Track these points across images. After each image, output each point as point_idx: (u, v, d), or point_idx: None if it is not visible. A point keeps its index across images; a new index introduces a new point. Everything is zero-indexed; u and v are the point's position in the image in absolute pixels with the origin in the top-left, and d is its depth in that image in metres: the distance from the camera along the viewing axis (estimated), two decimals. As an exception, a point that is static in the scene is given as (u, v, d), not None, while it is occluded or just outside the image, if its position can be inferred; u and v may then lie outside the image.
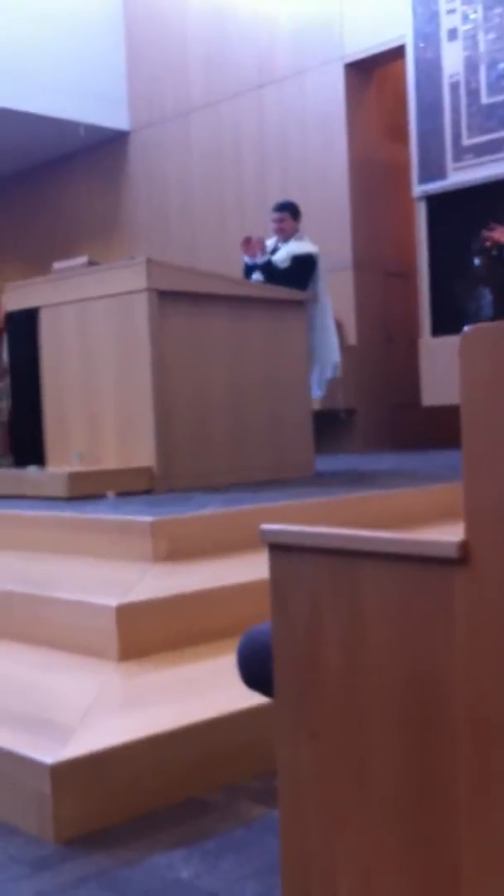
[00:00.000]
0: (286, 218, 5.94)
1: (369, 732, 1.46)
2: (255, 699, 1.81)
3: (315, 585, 1.51)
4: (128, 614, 2.79)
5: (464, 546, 1.31)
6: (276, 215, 5.97)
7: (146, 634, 2.83)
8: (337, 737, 1.51)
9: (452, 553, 1.31)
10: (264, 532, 1.56)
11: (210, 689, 2.52)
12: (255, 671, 1.66)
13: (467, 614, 1.33)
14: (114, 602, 2.81)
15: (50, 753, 2.12)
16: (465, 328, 1.30)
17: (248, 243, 5.82)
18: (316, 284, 5.80)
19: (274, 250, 5.91)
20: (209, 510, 3.78)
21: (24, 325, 5.38)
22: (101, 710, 2.41)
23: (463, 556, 1.31)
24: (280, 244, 5.92)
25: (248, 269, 5.91)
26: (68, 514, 3.87)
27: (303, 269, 5.75)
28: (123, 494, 4.54)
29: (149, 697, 2.54)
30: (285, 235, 5.91)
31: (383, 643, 1.43)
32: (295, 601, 1.55)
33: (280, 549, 1.56)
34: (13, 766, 2.17)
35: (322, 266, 5.98)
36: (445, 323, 7.87)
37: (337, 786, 1.51)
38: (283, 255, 5.81)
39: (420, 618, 1.38)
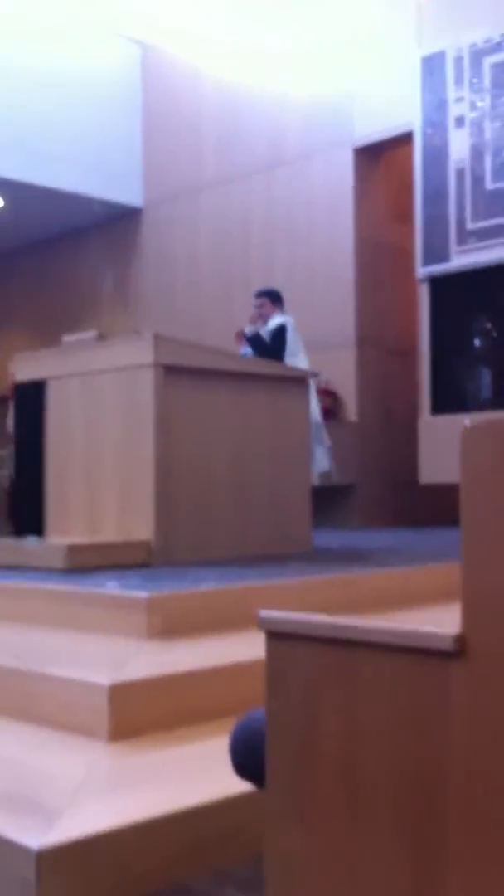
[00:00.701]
0: (265, 304, 6.31)
1: (363, 822, 1.43)
2: (246, 784, 1.78)
3: (311, 674, 1.49)
4: (120, 693, 2.75)
5: (460, 639, 1.30)
6: (257, 301, 6.38)
7: (138, 714, 2.79)
8: (329, 826, 1.48)
9: (449, 646, 1.30)
10: (262, 619, 1.55)
11: (201, 772, 2.47)
12: (248, 761, 1.63)
13: (464, 707, 1.31)
14: (106, 680, 2.78)
15: (36, 837, 2.07)
16: (466, 421, 1.31)
17: (239, 338, 6.13)
18: (293, 354, 6.04)
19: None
20: (206, 586, 3.75)
21: (32, 396, 5.42)
22: (90, 792, 2.36)
23: (460, 649, 1.30)
24: (261, 328, 6.22)
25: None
26: (64, 586, 3.85)
27: (276, 340, 6.09)
28: (121, 567, 4.51)
29: (138, 780, 2.49)
30: (264, 320, 6.22)
31: (379, 733, 1.41)
32: (291, 688, 1.53)
33: (277, 637, 1.55)
34: (-3, 848, 2.11)
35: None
36: (445, 402, 7.92)
37: (327, 876, 1.47)
38: (266, 330, 6.10)
39: (417, 709, 1.36)
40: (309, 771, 1.48)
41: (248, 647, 2.87)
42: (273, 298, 6.36)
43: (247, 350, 6.26)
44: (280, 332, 6.09)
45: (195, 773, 2.49)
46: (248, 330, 6.26)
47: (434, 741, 1.34)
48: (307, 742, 1.48)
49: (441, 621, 3.50)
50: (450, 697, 1.31)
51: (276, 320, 6.17)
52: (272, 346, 6.01)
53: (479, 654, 1.28)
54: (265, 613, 1.56)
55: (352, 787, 1.42)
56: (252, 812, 1.97)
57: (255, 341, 6.11)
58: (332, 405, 8.66)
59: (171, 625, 3.41)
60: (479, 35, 7.81)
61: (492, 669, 1.27)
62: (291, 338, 6.10)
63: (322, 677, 1.47)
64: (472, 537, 1.28)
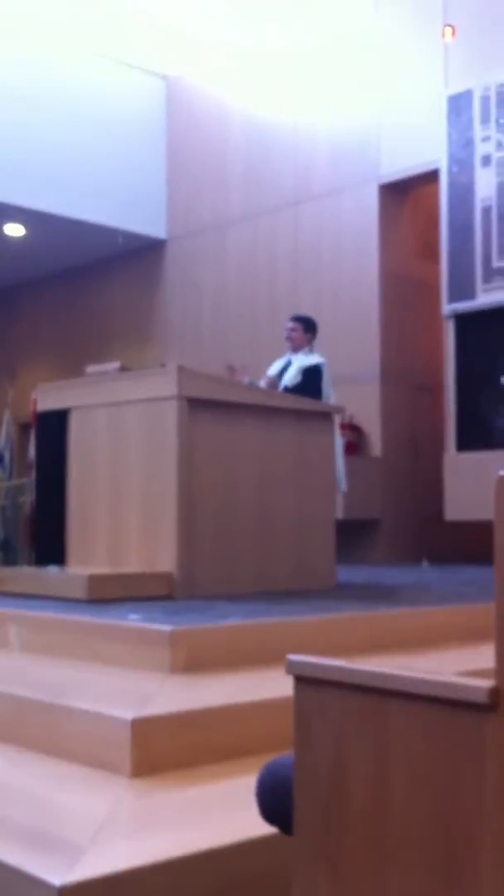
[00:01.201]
0: (298, 329, 6.25)
1: (391, 874, 1.42)
2: (272, 826, 1.76)
3: (341, 721, 1.49)
4: (143, 729, 2.74)
5: (495, 692, 1.29)
6: (290, 324, 6.31)
7: (161, 750, 2.77)
8: (357, 876, 1.46)
9: (483, 698, 1.29)
10: (291, 663, 1.55)
11: (225, 812, 2.45)
12: (275, 806, 1.62)
13: (497, 759, 1.30)
14: (129, 715, 2.77)
15: (58, 874, 2.06)
16: (502, 472, 1.31)
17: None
18: (326, 394, 6.01)
19: (284, 368, 6.14)
20: (231, 621, 3.74)
21: (54, 425, 5.45)
22: (112, 829, 2.35)
23: (494, 702, 1.29)
24: (289, 357, 6.15)
25: (280, 376, 6.15)
26: (86, 618, 3.85)
27: (312, 379, 5.94)
28: (143, 599, 4.50)
29: (162, 818, 2.48)
30: (294, 345, 6.22)
31: (410, 783, 1.40)
32: (320, 735, 1.52)
33: (306, 682, 1.54)
34: (19, 885, 2.10)
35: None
36: (471, 438, 7.90)
37: (355, 930, 1.46)
38: (293, 371, 6.05)
39: (449, 760, 1.35)
40: (337, 819, 1.47)
41: (273, 685, 2.86)
42: (307, 327, 6.31)
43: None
44: (316, 372, 6.05)
45: (219, 813, 2.47)
46: (273, 371, 6.23)
47: (466, 793, 1.32)
48: (336, 790, 1.47)
49: (470, 663, 3.48)
50: (484, 750, 1.30)
51: (312, 358, 6.14)
52: (305, 388, 5.93)
53: (513, 706, 1.27)
54: (294, 658, 1.55)
55: (381, 837, 1.41)
56: (278, 856, 1.96)
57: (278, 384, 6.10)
58: (356, 440, 8.66)
59: (194, 660, 3.40)
60: (506, 75, 7.87)
61: (526, 722, 1.26)
62: (326, 380, 6.07)
63: (352, 725, 1.46)
64: (508, 588, 1.27)
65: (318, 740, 1.51)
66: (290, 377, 6.06)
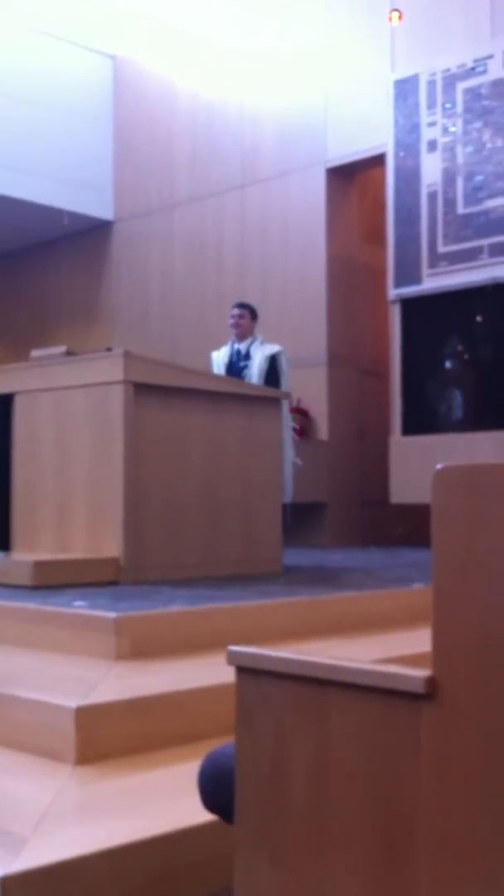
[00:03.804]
0: (245, 315, 6.34)
1: (332, 860, 1.44)
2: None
3: (282, 710, 1.50)
4: (87, 717, 2.74)
5: (431, 681, 1.31)
6: (237, 311, 6.38)
7: (106, 738, 2.77)
8: (298, 863, 1.48)
9: (420, 688, 1.31)
10: (231, 654, 1.56)
11: (170, 799, 2.46)
12: (217, 795, 1.63)
13: (433, 747, 1.32)
14: (74, 703, 2.76)
15: (1, 864, 2.05)
16: (438, 466, 1.32)
17: None
18: (285, 382, 6.10)
19: (235, 358, 6.18)
20: (175, 607, 3.75)
21: (-1, 410, 5.39)
22: (57, 818, 2.35)
23: (430, 691, 1.31)
24: (236, 346, 6.20)
25: (232, 366, 6.18)
26: (31, 605, 3.82)
27: (276, 368, 6.03)
28: (89, 585, 4.49)
29: (106, 806, 2.48)
30: (241, 332, 6.28)
31: (349, 772, 1.42)
32: (261, 725, 1.53)
33: (247, 672, 1.55)
34: (-39, 877, 2.10)
35: (296, 361, 6.23)
36: (416, 422, 7.98)
37: (295, 916, 1.48)
38: (258, 360, 6.08)
39: (387, 748, 1.37)
40: (278, 808, 1.49)
41: (218, 671, 2.87)
42: (253, 314, 6.43)
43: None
44: (279, 361, 6.15)
45: (164, 800, 2.48)
46: (220, 362, 6.32)
47: (404, 781, 1.35)
48: (277, 779, 1.49)
49: (414, 646, 3.52)
50: (420, 738, 1.32)
51: (271, 347, 6.21)
52: (271, 375, 6.07)
53: (449, 696, 1.29)
54: (234, 649, 1.56)
55: (321, 825, 1.43)
56: (221, 844, 1.97)
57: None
58: (303, 423, 8.70)
59: (139, 646, 3.40)
60: (452, 60, 7.90)
61: (461, 711, 1.28)
62: (285, 369, 6.16)
63: (292, 715, 1.48)
64: (444, 580, 1.29)
65: (259, 730, 1.52)
66: (259, 369, 6.10)
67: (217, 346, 6.61)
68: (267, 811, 1.50)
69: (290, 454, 6.04)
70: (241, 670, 1.56)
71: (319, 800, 1.44)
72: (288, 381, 6.18)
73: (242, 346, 6.25)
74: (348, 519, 8.85)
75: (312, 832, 1.44)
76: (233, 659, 1.56)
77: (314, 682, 1.45)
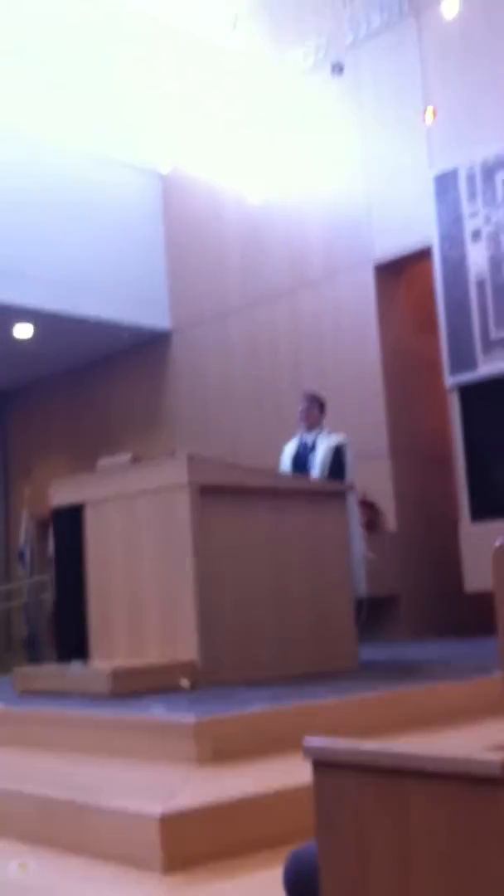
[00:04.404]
0: (313, 407, 6.30)
1: None
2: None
3: (360, 802, 1.50)
4: (172, 824, 2.74)
5: (507, 764, 1.31)
6: (305, 403, 6.34)
7: (191, 844, 2.76)
8: None
9: (498, 772, 1.32)
10: (307, 748, 1.57)
11: (257, 905, 2.44)
12: (303, 894, 1.63)
13: (516, 832, 1.31)
14: (157, 810, 2.77)
15: None
16: (497, 541, 1.36)
17: None
18: (351, 474, 6.05)
19: (302, 451, 6.18)
20: (253, 708, 3.74)
21: (70, 520, 5.51)
22: (145, 928, 2.34)
23: (507, 775, 1.31)
24: (303, 438, 6.20)
25: (298, 458, 6.16)
26: (110, 713, 3.85)
27: (340, 459, 6.01)
28: (167, 690, 4.49)
29: (194, 914, 2.46)
30: (309, 424, 6.24)
31: (432, 862, 1.41)
32: (340, 818, 1.54)
33: (324, 766, 1.56)
34: None
35: (358, 455, 6.21)
36: (485, 508, 7.91)
37: None
38: (321, 451, 6.06)
39: (469, 836, 1.37)
40: (364, 903, 1.48)
41: (301, 771, 2.85)
42: (321, 406, 6.39)
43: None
44: (343, 452, 6.11)
45: (251, 906, 2.45)
46: (287, 457, 6.28)
47: (489, 869, 1.34)
48: (359, 874, 1.49)
49: (498, 734, 3.45)
50: (502, 823, 1.32)
51: (336, 438, 6.19)
52: (334, 466, 6.01)
53: (526, 777, 1.29)
54: (309, 741, 1.58)
55: (408, 918, 1.42)
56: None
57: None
58: (371, 516, 8.68)
59: (220, 749, 3.39)
60: (489, 151, 8.09)
61: (539, 793, 1.28)
62: (350, 460, 6.11)
63: (371, 807, 1.48)
64: (510, 661, 1.31)
65: (339, 824, 1.53)
66: (322, 461, 6.06)
67: (281, 440, 6.66)
68: (353, 907, 1.49)
69: (360, 547, 5.99)
70: (317, 764, 1.57)
71: (402, 893, 1.43)
72: (353, 471, 6.13)
73: (309, 438, 6.24)
74: (423, 610, 8.73)
75: (399, 925, 1.43)
76: (308, 752, 1.57)
77: (390, 772, 1.45)
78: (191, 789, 3.04)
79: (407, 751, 1.45)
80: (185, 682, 4.47)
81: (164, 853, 2.70)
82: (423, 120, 8.60)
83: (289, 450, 6.36)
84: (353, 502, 6.02)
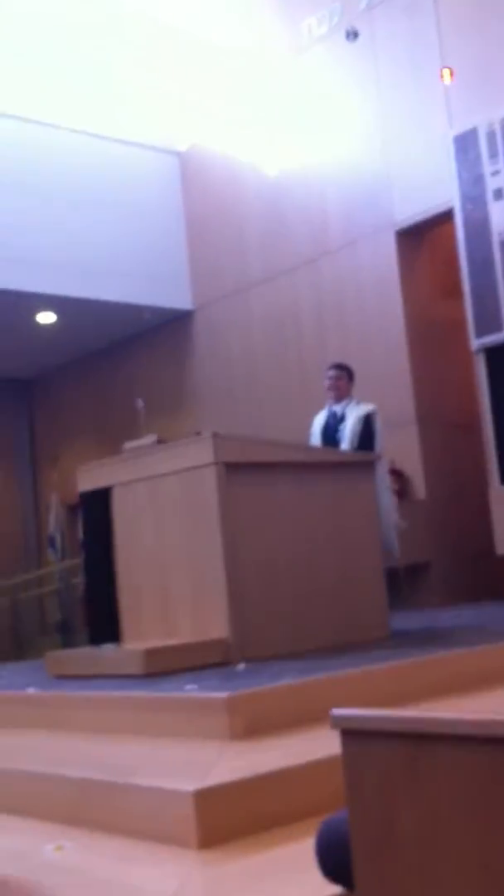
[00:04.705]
0: (343, 377, 6.18)
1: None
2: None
3: (388, 770, 1.47)
4: (206, 800, 2.72)
5: (536, 726, 1.27)
6: (334, 373, 6.20)
7: (226, 820, 2.74)
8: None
9: (524, 733, 1.27)
10: (334, 717, 1.54)
11: (295, 877, 2.41)
12: (334, 863, 1.60)
13: (548, 796, 1.27)
14: (191, 787, 2.75)
15: None
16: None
17: None
18: (379, 443, 5.96)
19: (332, 422, 6.08)
20: (284, 682, 3.71)
21: (98, 504, 5.50)
22: (182, 905, 2.32)
23: (536, 736, 1.27)
24: (334, 406, 6.10)
25: (328, 430, 6.06)
26: (144, 693, 3.84)
27: (370, 428, 5.91)
28: (200, 668, 4.48)
29: (232, 889, 2.44)
30: (339, 394, 6.12)
31: (461, 827, 1.37)
32: (369, 786, 1.51)
33: (352, 734, 1.53)
34: None
35: (385, 423, 6.11)
36: (514, 471, 7.82)
37: None
38: (351, 421, 5.96)
39: (496, 799, 1.33)
40: (393, 871, 1.45)
41: (334, 742, 2.82)
42: (350, 375, 6.27)
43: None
44: (373, 420, 6.01)
45: (289, 878, 2.43)
46: (316, 429, 6.15)
47: (519, 833, 1.30)
48: (389, 841, 1.45)
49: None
50: (530, 786, 1.27)
51: (366, 407, 6.08)
52: (365, 436, 5.90)
53: None
54: (337, 712, 1.54)
55: (436, 884, 1.38)
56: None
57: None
58: (399, 485, 8.61)
59: (252, 724, 3.37)
60: (507, 108, 7.95)
61: None
62: (379, 429, 5.99)
63: (400, 774, 1.45)
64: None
65: (368, 791, 1.50)
66: (351, 431, 5.96)
67: (306, 414, 6.56)
68: (383, 875, 1.46)
69: (393, 516, 5.91)
70: (346, 733, 1.54)
71: (433, 860, 1.39)
72: (382, 441, 6.04)
73: (339, 408, 6.13)
74: (455, 576, 8.67)
75: (428, 892, 1.39)
76: (336, 722, 1.54)
77: (417, 737, 1.42)
78: (224, 765, 3.02)
79: (432, 716, 1.41)
80: (240, 665, 4.44)
81: (199, 829, 2.69)
82: (441, 80, 8.45)
83: (318, 422, 6.26)
84: (383, 471, 5.94)
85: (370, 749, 1.51)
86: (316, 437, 6.18)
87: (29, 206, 9.94)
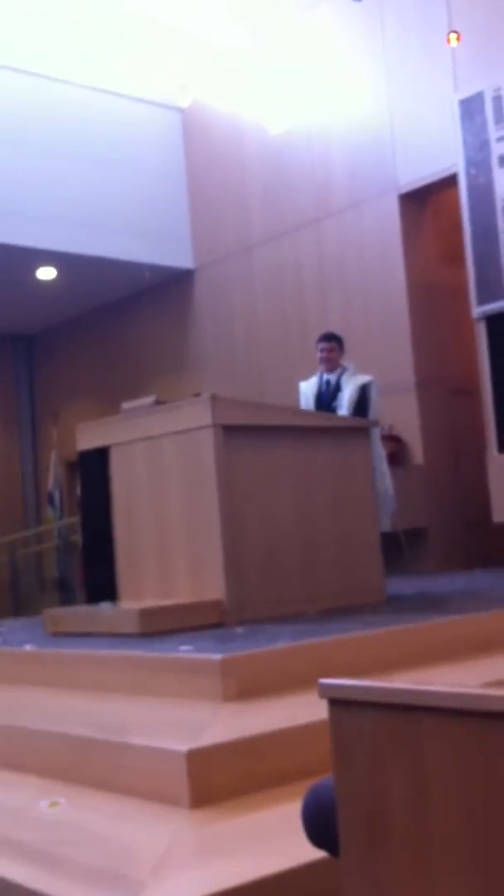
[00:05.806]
0: (335, 348, 6.19)
1: (437, 890, 1.42)
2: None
3: (377, 741, 1.50)
4: (198, 760, 2.77)
5: (524, 701, 1.29)
6: (326, 345, 6.22)
7: (218, 779, 2.79)
8: (404, 893, 1.47)
9: (510, 708, 1.30)
10: (322, 686, 1.56)
11: (284, 838, 2.46)
12: (321, 829, 1.63)
13: (534, 768, 1.30)
14: (184, 747, 2.79)
15: (121, 911, 2.09)
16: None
17: None
18: (374, 411, 5.99)
19: (325, 391, 6.09)
20: (279, 645, 3.76)
21: (96, 463, 5.51)
22: (173, 862, 2.37)
23: (524, 711, 1.29)
24: (325, 377, 6.12)
25: (322, 397, 6.08)
26: (138, 652, 3.88)
27: (365, 396, 5.94)
28: (196, 629, 4.53)
29: (222, 848, 2.49)
30: (331, 365, 6.13)
31: (449, 799, 1.40)
32: (356, 755, 1.53)
33: (340, 704, 1.55)
34: (85, 924, 2.13)
35: (384, 388, 6.11)
36: (513, 439, 7.84)
37: None
38: (349, 390, 5.98)
39: (486, 774, 1.36)
40: (380, 840, 1.48)
41: (324, 706, 2.86)
42: (341, 345, 6.29)
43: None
44: (369, 390, 6.03)
45: (278, 839, 2.48)
46: (309, 395, 6.17)
47: None
48: (376, 811, 1.48)
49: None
50: (516, 759, 1.30)
51: (362, 378, 6.10)
52: (361, 405, 5.95)
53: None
54: (325, 681, 1.57)
55: (423, 856, 1.41)
56: (335, 879, 1.96)
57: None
58: (397, 450, 8.63)
59: (246, 686, 3.42)
60: (515, 73, 7.85)
61: None
62: (374, 398, 6.02)
63: (388, 744, 1.47)
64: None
65: (355, 761, 1.52)
66: (349, 399, 5.99)
67: (305, 378, 6.57)
68: (369, 843, 1.50)
69: (388, 484, 5.94)
70: (333, 702, 1.56)
71: (420, 830, 1.43)
72: (376, 410, 6.08)
73: (332, 377, 6.16)
74: (450, 542, 8.72)
75: (415, 863, 1.43)
76: (324, 691, 1.57)
77: (406, 709, 1.44)
78: (217, 726, 3.07)
79: (420, 688, 1.44)
80: (239, 629, 4.49)
81: (192, 789, 2.74)
82: (447, 43, 8.34)
83: (308, 390, 6.28)
84: (377, 438, 5.96)
85: (357, 719, 1.54)
86: (308, 404, 6.19)
87: (29, 159, 9.85)
